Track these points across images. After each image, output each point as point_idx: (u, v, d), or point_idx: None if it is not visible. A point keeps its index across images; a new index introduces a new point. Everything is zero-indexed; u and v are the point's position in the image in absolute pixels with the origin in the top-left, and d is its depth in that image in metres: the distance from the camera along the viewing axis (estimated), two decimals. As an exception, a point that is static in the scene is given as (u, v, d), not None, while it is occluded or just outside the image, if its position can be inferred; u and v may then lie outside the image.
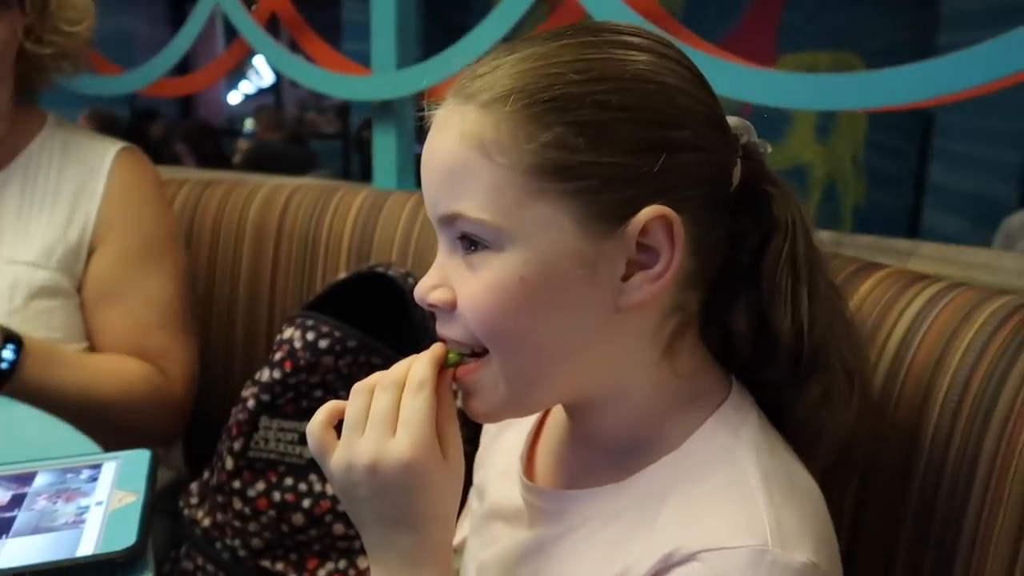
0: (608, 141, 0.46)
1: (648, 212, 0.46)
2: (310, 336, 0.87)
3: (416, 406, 0.49)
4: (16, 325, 0.87)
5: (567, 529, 0.53)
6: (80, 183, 1.00)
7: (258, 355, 1.17)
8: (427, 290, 0.50)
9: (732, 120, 0.52)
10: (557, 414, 0.61)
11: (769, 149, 0.54)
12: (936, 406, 0.58)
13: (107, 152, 1.03)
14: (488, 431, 0.68)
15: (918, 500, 0.59)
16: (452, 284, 0.49)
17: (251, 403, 0.88)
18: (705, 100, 0.50)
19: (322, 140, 6.43)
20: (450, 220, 0.48)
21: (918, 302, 0.63)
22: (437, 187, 0.49)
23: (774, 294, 0.51)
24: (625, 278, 0.48)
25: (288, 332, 0.89)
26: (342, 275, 1.02)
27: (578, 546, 0.52)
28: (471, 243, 0.48)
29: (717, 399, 0.51)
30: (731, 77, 1.01)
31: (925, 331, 0.60)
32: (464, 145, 0.47)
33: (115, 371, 0.94)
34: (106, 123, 4.14)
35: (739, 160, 0.51)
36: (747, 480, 0.47)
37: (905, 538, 0.60)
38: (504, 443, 0.64)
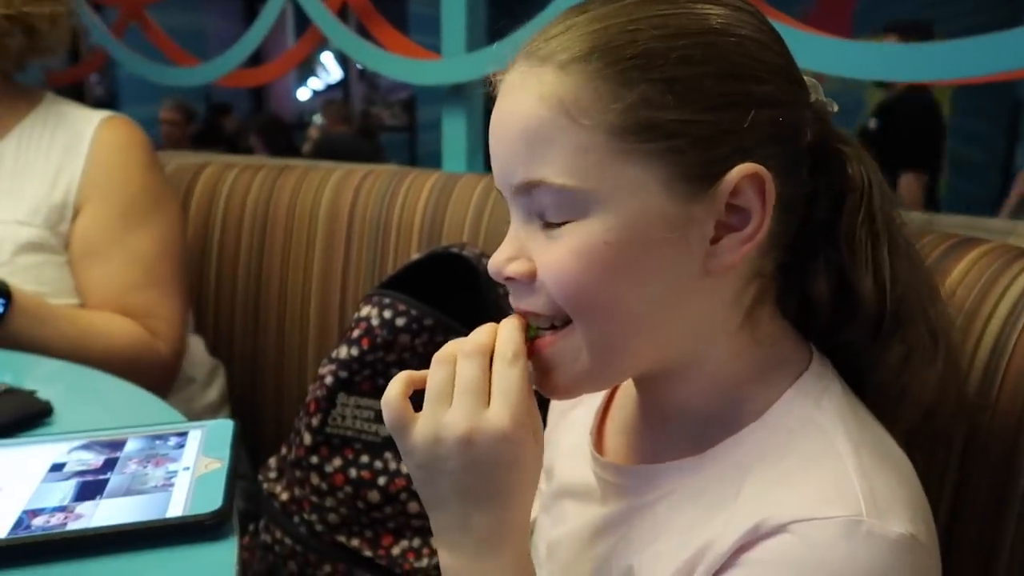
0: (695, 97, 0.44)
1: (740, 170, 0.45)
2: (387, 314, 0.87)
3: (514, 376, 0.47)
4: (4, 277, 0.90)
5: (643, 504, 0.51)
6: (67, 146, 1.03)
7: (331, 336, 1.19)
8: (503, 263, 0.48)
9: (804, 78, 0.51)
10: (627, 389, 0.59)
11: (836, 108, 0.52)
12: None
13: (93, 119, 1.06)
14: (555, 409, 0.67)
15: (1020, 510, 0.55)
16: (530, 254, 0.48)
17: (329, 380, 0.89)
18: (783, 53, 0.49)
19: (389, 133, 6.52)
20: (527, 188, 0.47)
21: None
22: (512, 154, 0.47)
23: (855, 253, 0.50)
24: (714, 241, 0.46)
25: (366, 310, 0.89)
26: (416, 256, 1.02)
27: (657, 522, 0.50)
28: (553, 214, 0.46)
29: (797, 368, 0.50)
30: (807, 47, 0.97)
31: (1034, 307, 0.57)
32: (544, 107, 0.45)
33: (101, 327, 0.96)
34: (188, 114, 4.30)
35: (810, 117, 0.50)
36: (836, 449, 0.45)
37: (1009, 532, 0.56)
38: (572, 421, 0.63)
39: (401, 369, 0.88)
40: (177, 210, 1.12)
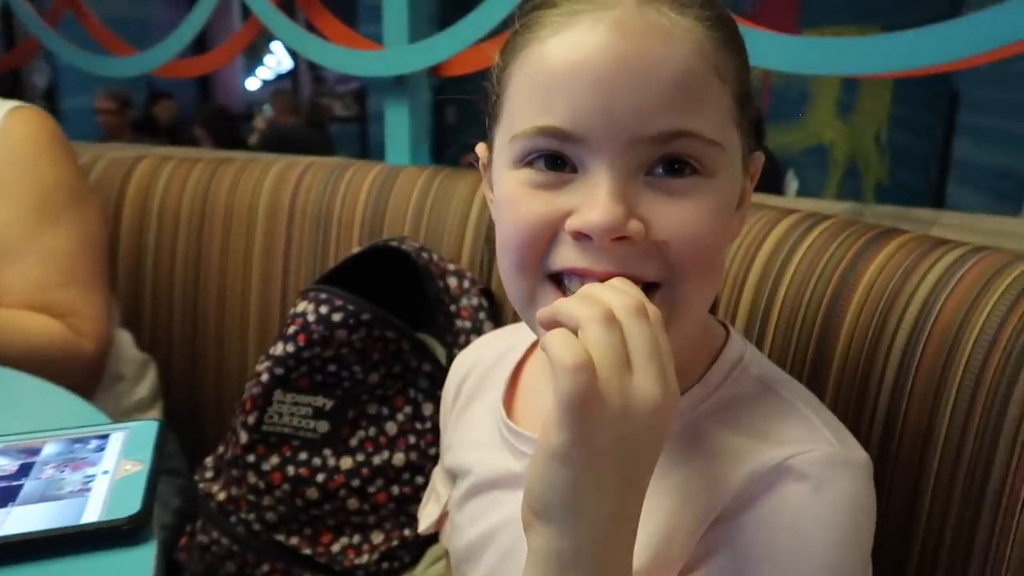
0: (751, 86, 0.49)
1: (758, 158, 0.51)
2: (324, 310, 0.86)
3: (665, 340, 0.41)
4: None
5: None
6: None
7: (272, 331, 1.17)
8: (620, 220, 0.43)
9: None
10: (536, 369, 0.60)
11: None
12: (958, 372, 0.56)
13: None
14: (449, 415, 0.67)
15: (939, 466, 0.57)
16: (639, 212, 0.44)
17: (265, 377, 0.88)
18: None
19: (340, 124, 6.43)
20: (668, 138, 0.44)
21: (940, 266, 0.61)
22: (655, 99, 0.43)
23: None
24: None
25: (302, 306, 0.88)
26: (356, 250, 1.01)
27: None
28: (678, 166, 0.44)
29: (722, 335, 0.54)
30: (753, 44, 0.99)
31: (947, 296, 0.59)
32: (699, 61, 0.44)
33: (21, 327, 0.93)
34: (123, 103, 4.17)
35: None
36: (787, 400, 0.50)
37: (927, 501, 0.58)
38: (474, 417, 0.63)
39: (339, 365, 0.88)
40: (95, 203, 1.08)
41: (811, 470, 0.45)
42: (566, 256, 0.46)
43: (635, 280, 0.44)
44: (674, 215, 0.44)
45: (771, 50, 0.98)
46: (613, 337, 0.39)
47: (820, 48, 0.98)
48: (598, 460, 0.39)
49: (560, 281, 0.47)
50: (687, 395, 0.51)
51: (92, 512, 0.49)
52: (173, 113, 4.98)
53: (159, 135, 4.50)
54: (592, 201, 0.44)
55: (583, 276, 0.45)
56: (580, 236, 0.45)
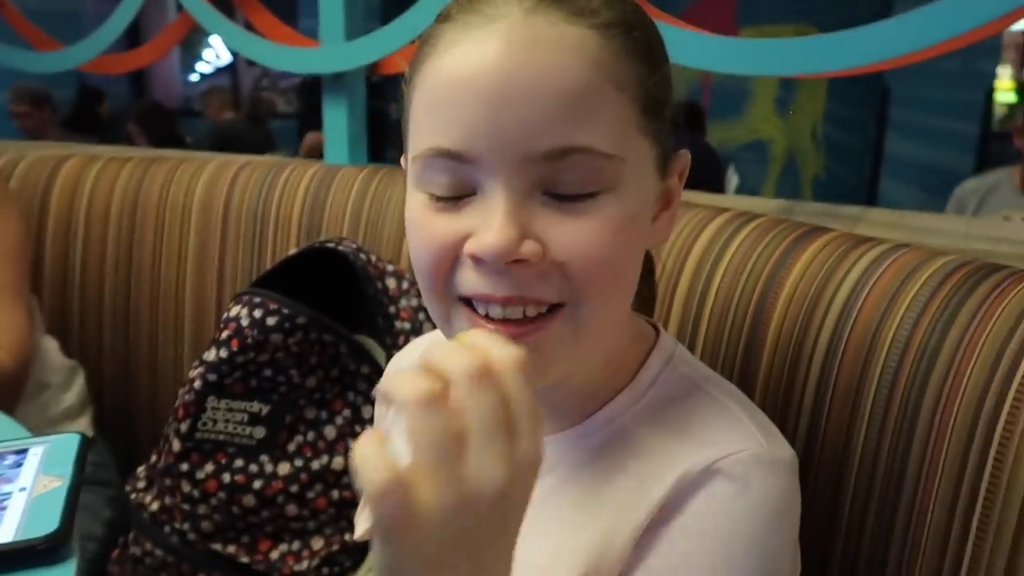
0: (670, 92, 0.48)
1: (683, 158, 0.50)
2: (257, 313, 0.85)
3: (527, 397, 0.36)
4: None
5: None
6: None
7: (207, 335, 1.15)
8: (513, 243, 0.41)
9: None
10: None
11: None
12: (879, 363, 0.58)
13: None
14: (386, 417, 0.66)
15: (862, 453, 0.59)
16: (535, 233, 0.42)
17: (198, 383, 0.86)
18: None
19: (282, 120, 6.31)
20: (559, 156, 0.42)
21: (862, 263, 0.63)
22: (543, 116, 0.41)
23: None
24: (653, 220, 0.49)
25: (235, 310, 0.86)
26: (292, 251, 1.00)
27: (548, 497, 0.50)
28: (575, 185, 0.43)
29: (651, 337, 0.54)
30: (691, 46, 1.00)
31: (869, 291, 0.61)
32: (593, 71, 0.42)
33: None
34: (36, 99, 3.99)
35: None
36: (717, 399, 0.50)
37: (851, 488, 0.60)
38: None
39: (275, 369, 0.87)
40: (13, 211, 1.04)
41: (738, 471, 0.45)
42: (468, 280, 0.44)
43: (536, 303, 0.43)
44: (572, 234, 0.42)
45: (708, 51, 1.00)
46: (437, 421, 0.34)
47: (756, 49, 1.00)
48: (433, 566, 0.35)
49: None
50: (617, 400, 0.51)
51: (7, 532, 0.48)
52: (107, 113, 4.81)
53: (91, 133, 4.34)
54: (487, 224, 0.42)
55: (486, 301, 0.44)
56: (477, 260, 0.43)
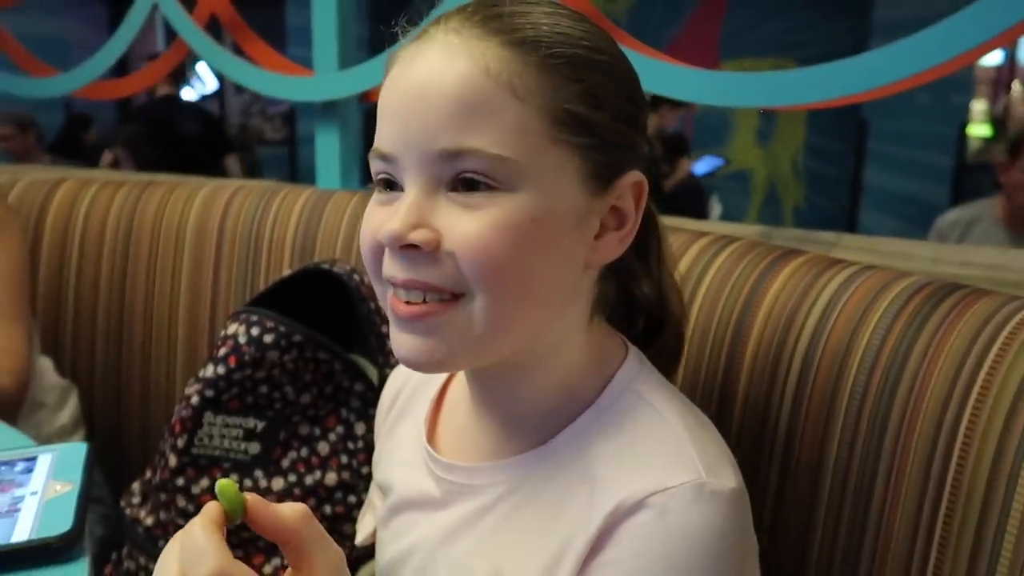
0: (611, 107, 0.50)
1: (631, 177, 0.51)
2: (255, 331, 0.87)
3: (194, 541, 0.41)
4: None
5: (492, 501, 0.53)
6: None
7: (199, 357, 1.17)
8: (406, 228, 0.47)
9: None
10: (457, 394, 0.61)
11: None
12: (851, 376, 0.62)
13: None
14: (381, 430, 0.69)
15: (835, 463, 0.62)
16: (432, 224, 0.47)
17: (195, 399, 0.88)
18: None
19: (269, 146, 6.35)
20: (452, 156, 0.46)
21: (834, 283, 0.66)
22: (438, 120, 0.47)
23: (663, 278, 0.59)
24: (597, 236, 0.51)
25: (232, 328, 0.89)
26: (286, 272, 1.02)
27: (511, 515, 0.52)
28: (471, 183, 0.47)
29: (619, 358, 0.55)
30: (674, 79, 1.05)
31: (841, 309, 0.64)
32: (487, 78, 0.46)
33: None
34: (21, 123, 4.00)
35: None
36: (667, 421, 0.50)
37: (825, 496, 0.63)
38: (401, 435, 0.65)
39: (271, 386, 0.89)
40: (15, 233, 1.06)
41: (670, 505, 0.46)
42: (386, 264, 0.50)
43: (429, 288, 0.48)
44: (463, 227, 0.47)
45: (689, 84, 1.04)
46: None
47: (736, 82, 1.04)
48: None
49: None
50: (578, 421, 0.52)
51: (22, 531, 0.50)
52: (94, 139, 4.82)
53: (77, 159, 4.34)
54: (395, 213, 0.48)
55: (392, 283, 0.49)
56: (385, 244, 0.49)
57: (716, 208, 4.25)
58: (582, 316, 0.54)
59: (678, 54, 1.10)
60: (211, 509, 0.42)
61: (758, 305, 0.70)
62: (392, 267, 0.49)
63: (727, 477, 0.48)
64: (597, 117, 0.49)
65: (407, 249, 0.47)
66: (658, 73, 1.05)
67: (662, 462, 0.48)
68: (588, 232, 0.50)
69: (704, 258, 0.78)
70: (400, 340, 0.50)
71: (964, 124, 4.64)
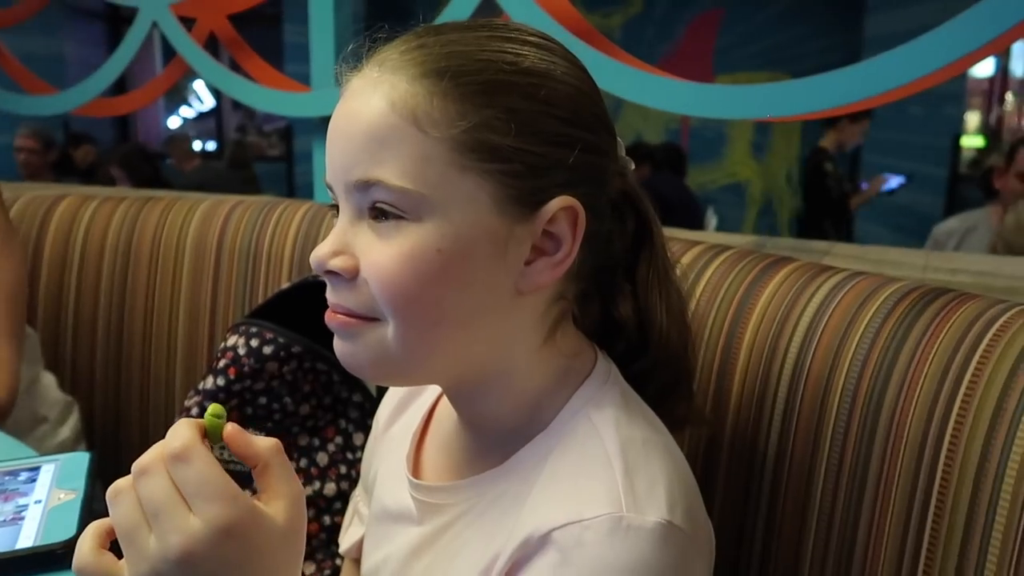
0: (532, 130, 0.49)
1: (559, 202, 0.50)
2: (254, 343, 0.88)
3: (194, 471, 0.41)
4: None
5: (454, 518, 0.54)
6: None
7: (199, 370, 1.17)
8: (327, 256, 0.49)
9: None
10: (445, 409, 0.62)
11: (632, 166, 0.59)
12: (841, 378, 0.63)
13: None
14: (379, 422, 0.69)
15: (827, 468, 0.63)
16: (354, 252, 0.49)
17: (195, 411, 0.88)
18: (605, 111, 0.55)
19: (266, 163, 6.37)
20: (364, 186, 0.48)
21: (824, 289, 0.67)
22: (354, 152, 0.48)
23: (647, 290, 0.57)
24: (528, 262, 0.50)
25: (232, 339, 0.89)
26: (285, 285, 1.03)
27: (463, 533, 0.53)
28: (382, 213, 0.48)
29: (582, 375, 0.55)
30: (669, 93, 1.06)
31: (831, 313, 0.65)
32: (394, 113, 0.47)
33: None
34: (46, 142, 4.04)
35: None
36: (604, 450, 0.49)
37: (816, 501, 0.64)
38: (391, 439, 0.65)
39: (270, 397, 0.90)
40: (18, 250, 1.07)
41: (583, 536, 0.45)
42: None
43: (348, 313, 0.50)
44: (374, 256, 0.48)
45: (684, 97, 1.06)
46: (121, 509, 0.41)
47: (729, 94, 1.06)
48: None
49: None
50: (534, 442, 0.52)
51: (27, 538, 0.50)
52: (92, 157, 4.84)
53: (72, 177, 4.37)
54: (326, 240, 0.50)
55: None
56: None
57: (712, 220, 4.27)
58: (532, 340, 0.53)
59: (672, 69, 1.12)
60: (197, 435, 0.43)
61: (751, 310, 0.71)
62: (327, 289, 0.52)
63: (654, 511, 0.46)
64: (511, 142, 0.48)
65: (329, 274, 0.50)
66: (652, 87, 1.07)
67: (586, 491, 0.47)
68: (514, 258, 0.50)
69: (698, 265, 0.79)
70: (335, 345, 0.53)
71: (958, 135, 4.68)
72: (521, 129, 0.48)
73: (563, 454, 0.50)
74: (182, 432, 0.42)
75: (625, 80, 1.07)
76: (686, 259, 0.81)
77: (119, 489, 0.42)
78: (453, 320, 0.50)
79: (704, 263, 0.79)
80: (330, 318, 0.51)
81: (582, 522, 0.45)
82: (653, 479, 0.48)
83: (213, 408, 0.45)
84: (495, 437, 0.54)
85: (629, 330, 0.57)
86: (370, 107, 0.48)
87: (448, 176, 0.47)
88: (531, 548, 0.46)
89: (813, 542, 0.64)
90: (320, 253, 0.49)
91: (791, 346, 0.67)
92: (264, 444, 0.45)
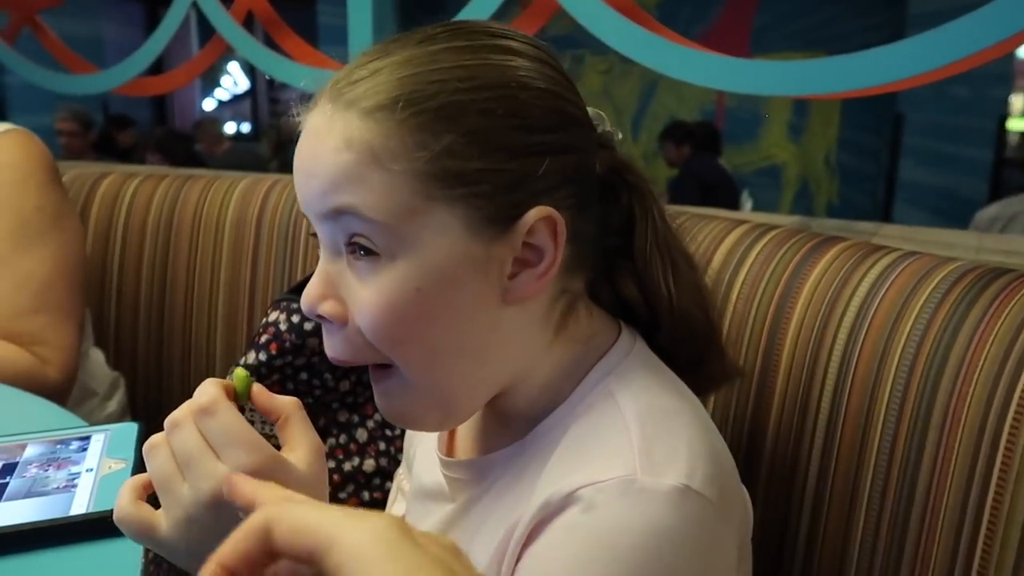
0: (495, 147, 0.47)
1: (534, 214, 0.48)
2: (295, 318, 0.88)
3: (221, 422, 0.44)
4: None
5: (481, 492, 0.55)
6: None
7: (238, 346, 1.19)
8: (316, 300, 0.48)
9: (589, 111, 0.54)
10: None
11: (620, 136, 0.56)
12: (893, 364, 0.61)
13: None
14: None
15: (878, 455, 0.62)
16: (341, 294, 0.48)
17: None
18: (575, 101, 0.52)
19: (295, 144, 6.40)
20: (336, 214, 0.47)
21: (876, 269, 0.66)
22: (321, 187, 0.47)
23: (648, 267, 0.55)
24: (511, 276, 0.49)
25: (274, 315, 0.90)
26: (323, 263, 1.04)
27: (488, 506, 0.53)
28: (359, 247, 0.47)
29: (604, 348, 0.54)
30: (706, 67, 1.04)
31: (883, 295, 0.63)
32: (350, 152, 0.46)
33: None
34: (86, 124, 4.10)
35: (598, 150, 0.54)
36: (622, 416, 0.49)
37: (866, 489, 0.63)
38: None
39: (311, 373, 0.90)
40: (75, 228, 1.08)
41: (597, 499, 0.44)
42: None
43: (349, 365, 0.50)
44: (357, 299, 0.47)
45: (722, 72, 1.04)
46: (157, 461, 0.45)
47: (768, 70, 1.04)
48: (194, 554, 0.43)
49: None
50: (553, 415, 0.52)
51: (80, 506, 0.51)
52: (134, 140, 4.92)
53: (112, 158, 4.45)
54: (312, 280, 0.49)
55: None
56: None
57: (747, 204, 4.22)
58: (541, 339, 0.52)
59: (707, 46, 1.09)
60: (222, 391, 0.46)
61: (798, 292, 0.70)
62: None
63: (672, 475, 0.45)
64: (476, 164, 0.46)
65: (322, 319, 0.49)
66: (690, 61, 1.05)
67: (600, 457, 0.47)
68: (496, 276, 0.48)
69: (742, 246, 0.78)
70: (376, 400, 0.53)
71: (1003, 117, 4.55)
72: (485, 149, 0.47)
73: (581, 423, 0.50)
74: (208, 389, 0.45)
75: (665, 54, 1.05)
76: (729, 240, 0.80)
77: (154, 443, 0.45)
78: (453, 350, 0.49)
79: (749, 243, 0.78)
80: (371, 373, 0.51)
81: (595, 484, 0.45)
82: (673, 445, 0.47)
83: (239, 371, 0.48)
84: (519, 416, 0.55)
85: (639, 306, 0.56)
86: (327, 148, 0.47)
87: (415, 209, 0.46)
88: (549, 512, 0.46)
89: (860, 538, 0.63)
90: (309, 296, 0.49)
91: (840, 329, 0.65)
92: (285, 400, 0.48)
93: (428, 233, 0.46)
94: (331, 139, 0.46)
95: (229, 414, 0.44)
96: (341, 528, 0.29)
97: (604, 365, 0.53)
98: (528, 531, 0.47)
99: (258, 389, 0.48)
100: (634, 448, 0.46)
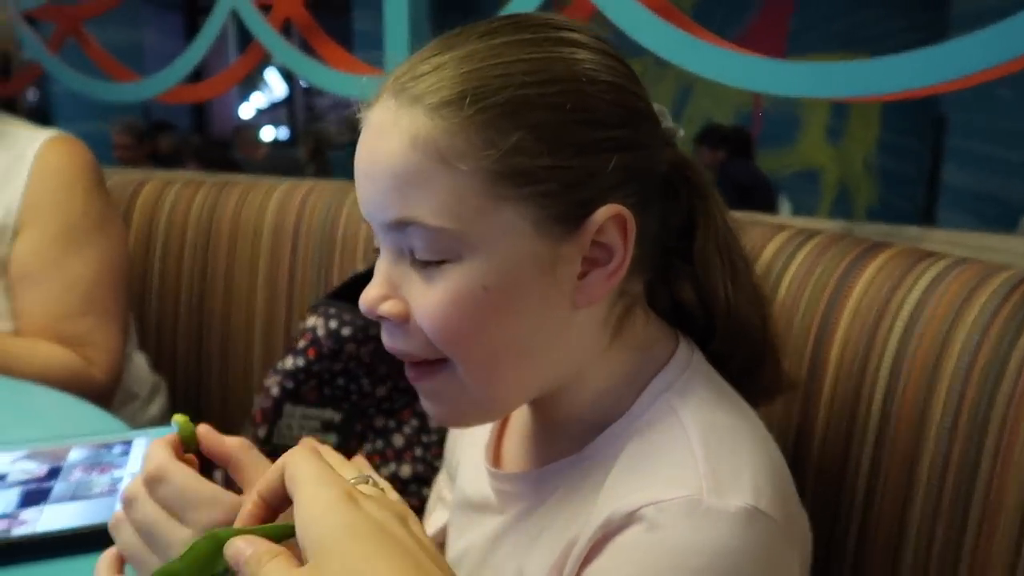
0: (563, 144, 0.46)
1: (604, 212, 0.47)
2: (333, 324, 0.89)
3: (173, 486, 0.45)
4: None
5: (532, 505, 0.54)
6: (8, 166, 1.01)
7: (277, 350, 1.20)
8: (376, 301, 0.48)
9: (654, 107, 0.52)
10: None
11: (682, 132, 0.55)
12: (946, 377, 0.59)
13: (36, 139, 1.03)
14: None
15: (929, 473, 0.60)
16: (402, 294, 0.48)
17: (275, 391, 0.90)
18: (642, 95, 0.51)
19: (331, 150, 6.47)
20: (400, 226, 0.46)
21: (926, 277, 0.64)
22: (383, 193, 0.46)
23: (708, 271, 0.54)
24: (581, 276, 0.48)
25: (311, 320, 0.91)
26: (360, 268, 1.04)
27: (541, 520, 0.52)
28: (425, 259, 0.46)
29: (662, 361, 0.52)
30: (743, 68, 1.02)
31: (934, 305, 0.62)
32: (416, 151, 0.45)
33: (27, 354, 0.94)
34: (139, 135, 4.20)
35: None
36: (686, 433, 0.47)
37: (917, 507, 0.61)
38: (473, 432, 0.65)
39: (348, 378, 0.91)
40: (120, 232, 1.10)
41: (661, 519, 0.43)
42: None
43: (408, 357, 0.49)
44: (421, 299, 0.47)
45: (759, 74, 1.02)
46: (124, 536, 0.46)
47: (806, 72, 1.02)
48: None
49: None
50: (611, 428, 0.51)
51: (122, 511, 0.51)
52: (173, 146, 5.03)
53: (150, 165, 4.55)
54: (372, 282, 0.49)
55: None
56: None
57: (785, 207, 4.16)
58: (599, 344, 0.51)
59: (744, 47, 1.08)
60: (168, 451, 0.46)
61: (844, 301, 0.68)
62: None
63: (738, 496, 0.44)
64: (544, 162, 0.45)
65: (382, 319, 0.49)
66: (726, 63, 1.03)
67: (664, 475, 0.46)
68: (566, 276, 0.48)
69: (785, 252, 0.76)
70: (423, 404, 0.52)
71: (1051, 119, 4.42)
72: (553, 146, 0.45)
73: (642, 438, 0.49)
74: (153, 453, 0.46)
75: (700, 55, 1.04)
76: (772, 245, 0.78)
77: (116, 521, 0.46)
78: (515, 351, 0.48)
79: (792, 249, 0.76)
80: (411, 376, 0.50)
81: (659, 503, 0.44)
82: (738, 465, 0.46)
83: (178, 417, 0.48)
84: (572, 428, 0.54)
85: (695, 311, 0.55)
86: (391, 145, 0.46)
87: (484, 209, 0.45)
88: (610, 529, 0.45)
89: (913, 559, 0.61)
90: (369, 298, 0.48)
91: (889, 342, 0.63)
92: (233, 441, 0.48)
93: (497, 233, 0.45)
94: (396, 136, 0.45)
95: (179, 476, 0.45)
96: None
97: (664, 378, 0.51)
98: (588, 548, 0.46)
99: (205, 431, 0.49)
100: (699, 467, 0.45)
